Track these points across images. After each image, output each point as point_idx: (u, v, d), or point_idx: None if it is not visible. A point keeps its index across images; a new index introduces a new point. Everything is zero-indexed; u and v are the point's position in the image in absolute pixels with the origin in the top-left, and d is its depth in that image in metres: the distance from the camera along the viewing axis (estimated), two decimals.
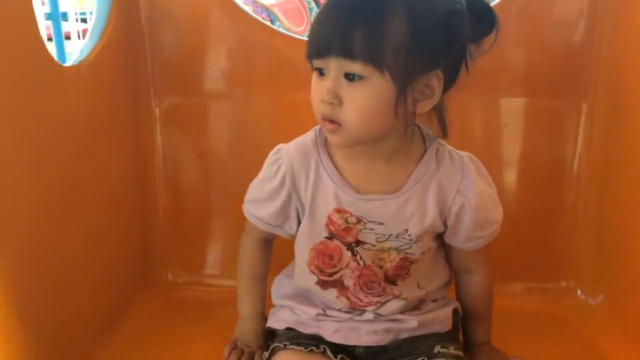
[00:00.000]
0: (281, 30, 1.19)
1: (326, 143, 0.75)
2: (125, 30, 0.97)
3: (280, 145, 0.77)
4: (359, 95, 0.64)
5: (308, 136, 0.76)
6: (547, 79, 1.03)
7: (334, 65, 0.64)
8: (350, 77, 0.64)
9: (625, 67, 0.95)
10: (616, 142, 0.97)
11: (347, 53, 0.62)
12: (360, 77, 0.63)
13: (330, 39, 0.63)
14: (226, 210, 1.09)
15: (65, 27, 3.24)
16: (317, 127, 0.77)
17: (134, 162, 1.04)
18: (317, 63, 0.66)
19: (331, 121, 0.66)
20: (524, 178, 1.07)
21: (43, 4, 3.32)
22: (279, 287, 0.84)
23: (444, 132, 0.73)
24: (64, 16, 3.19)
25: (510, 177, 1.08)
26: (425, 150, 0.73)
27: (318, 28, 0.65)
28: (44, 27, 3.61)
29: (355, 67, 0.63)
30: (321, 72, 0.66)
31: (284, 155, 0.75)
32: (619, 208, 0.96)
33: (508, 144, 1.07)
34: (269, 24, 1.13)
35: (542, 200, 1.07)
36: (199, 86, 1.06)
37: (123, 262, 1.01)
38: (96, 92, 0.89)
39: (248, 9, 2.76)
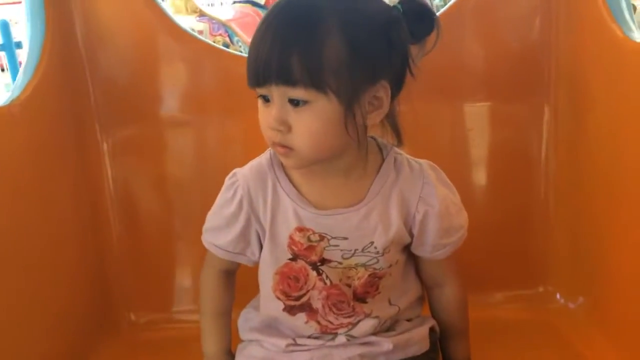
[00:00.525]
0: (238, 46, 1.16)
1: (282, 162, 0.73)
2: (62, 62, 0.92)
3: (236, 170, 0.75)
4: (306, 120, 0.62)
5: (263, 157, 0.75)
6: (508, 80, 1.01)
7: (277, 92, 0.62)
8: (294, 102, 0.62)
9: (585, 63, 0.93)
10: (582, 139, 0.95)
11: (287, 80, 0.60)
12: (305, 102, 0.62)
13: (267, 67, 0.61)
14: (191, 240, 1.00)
15: (21, 55, 3.14)
16: None
17: (82, 198, 0.99)
18: (260, 91, 0.64)
19: (282, 146, 0.65)
20: (493, 183, 1.05)
21: None
22: (246, 320, 0.80)
23: (399, 140, 0.72)
24: (18, 45, 3.10)
25: (480, 182, 1.06)
26: (383, 161, 0.72)
27: (254, 55, 0.62)
28: None
29: (298, 93, 0.61)
30: (266, 99, 0.64)
31: (240, 179, 0.73)
32: (591, 206, 0.94)
33: (474, 149, 1.05)
34: (227, 40, 1.10)
35: (513, 204, 1.05)
36: (148, 114, 1.01)
37: (77, 306, 0.95)
38: (33, 132, 0.84)
39: (204, 26, 2.73)
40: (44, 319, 0.83)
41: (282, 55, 0.60)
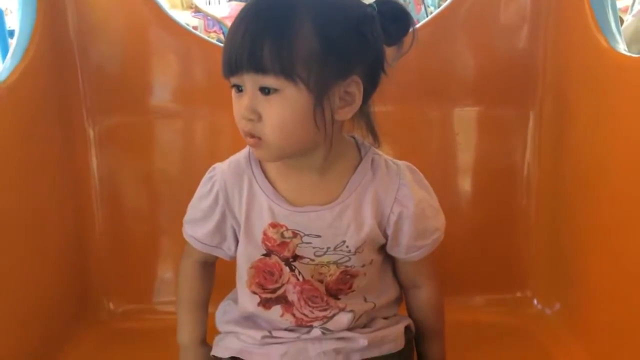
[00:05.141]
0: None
1: (254, 155, 0.73)
2: (52, 48, 0.92)
3: (216, 164, 0.76)
4: (275, 109, 0.63)
5: (242, 153, 0.75)
6: (496, 86, 1.02)
7: (249, 81, 0.64)
8: (265, 91, 0.63)
9: (571, 72, 0.94)
10: (566, 148, 0.96)
11: (258, 68, 0.62)
12: (275, 90, 0.63)
13: (240, 55, 0.62)
14: (175, 232, 0.99)
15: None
16: None
17: (66, 186, 0.99)
18: (233, 80, 0.65)
19: (252, 136, 0.65)
20: (477, 187, 1.06)
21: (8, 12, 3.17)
22: (224, 312, 0.81)
23: (375, 139, 0.72)
24: (12, 34, 3.07)
25: (464, 187, 1.07)
26: (361, 160, 0.73)
27: (229, 45, 0.64)
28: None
29: (268, 81, 0.62)
30: (239, 89, 0.66)
31: (218, 173, 0.74)
32: (571, 214, 0.95)
33: (461, 153, 1.06)
34: (221, 37, 1.09)
35: (495, 209, 1.05)
36: (137, 104, 1.02)
37: (56, 294, 0.95)
38: (19, 116, 0.84)
39: (199, 22, 2.72)
40: (21, 305, 0.83)
41: (253, 44, 0.61)
